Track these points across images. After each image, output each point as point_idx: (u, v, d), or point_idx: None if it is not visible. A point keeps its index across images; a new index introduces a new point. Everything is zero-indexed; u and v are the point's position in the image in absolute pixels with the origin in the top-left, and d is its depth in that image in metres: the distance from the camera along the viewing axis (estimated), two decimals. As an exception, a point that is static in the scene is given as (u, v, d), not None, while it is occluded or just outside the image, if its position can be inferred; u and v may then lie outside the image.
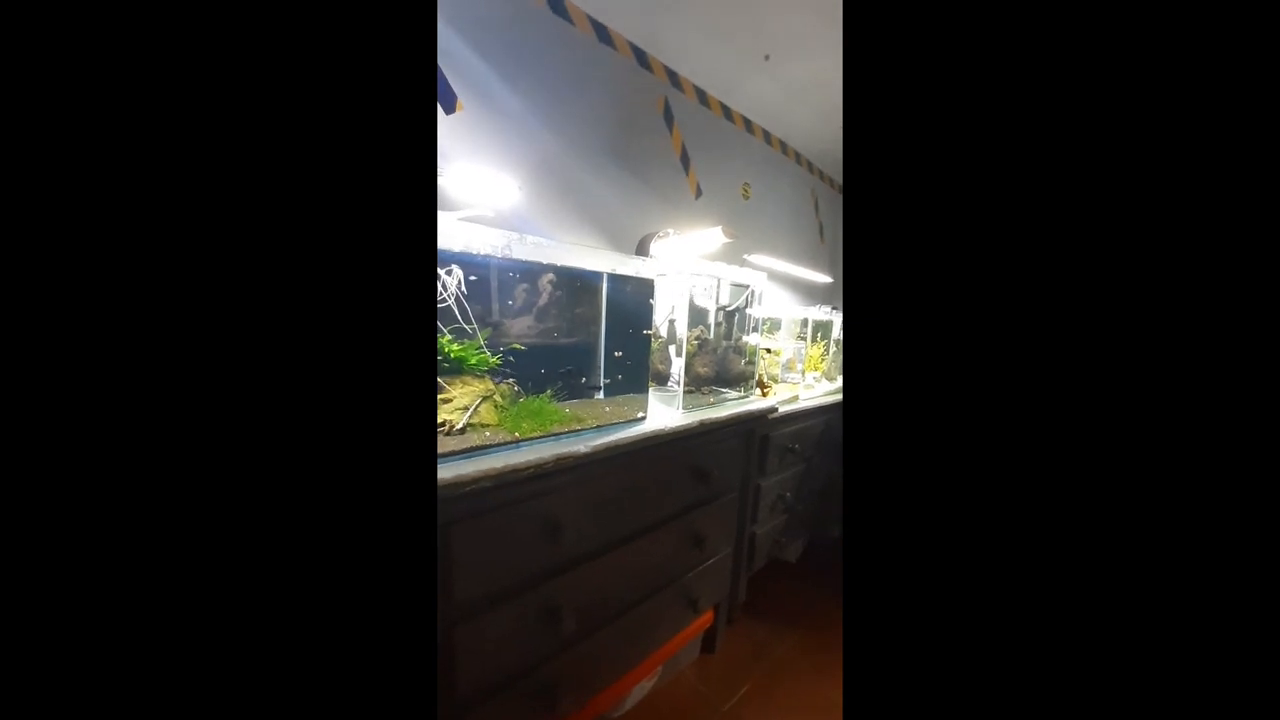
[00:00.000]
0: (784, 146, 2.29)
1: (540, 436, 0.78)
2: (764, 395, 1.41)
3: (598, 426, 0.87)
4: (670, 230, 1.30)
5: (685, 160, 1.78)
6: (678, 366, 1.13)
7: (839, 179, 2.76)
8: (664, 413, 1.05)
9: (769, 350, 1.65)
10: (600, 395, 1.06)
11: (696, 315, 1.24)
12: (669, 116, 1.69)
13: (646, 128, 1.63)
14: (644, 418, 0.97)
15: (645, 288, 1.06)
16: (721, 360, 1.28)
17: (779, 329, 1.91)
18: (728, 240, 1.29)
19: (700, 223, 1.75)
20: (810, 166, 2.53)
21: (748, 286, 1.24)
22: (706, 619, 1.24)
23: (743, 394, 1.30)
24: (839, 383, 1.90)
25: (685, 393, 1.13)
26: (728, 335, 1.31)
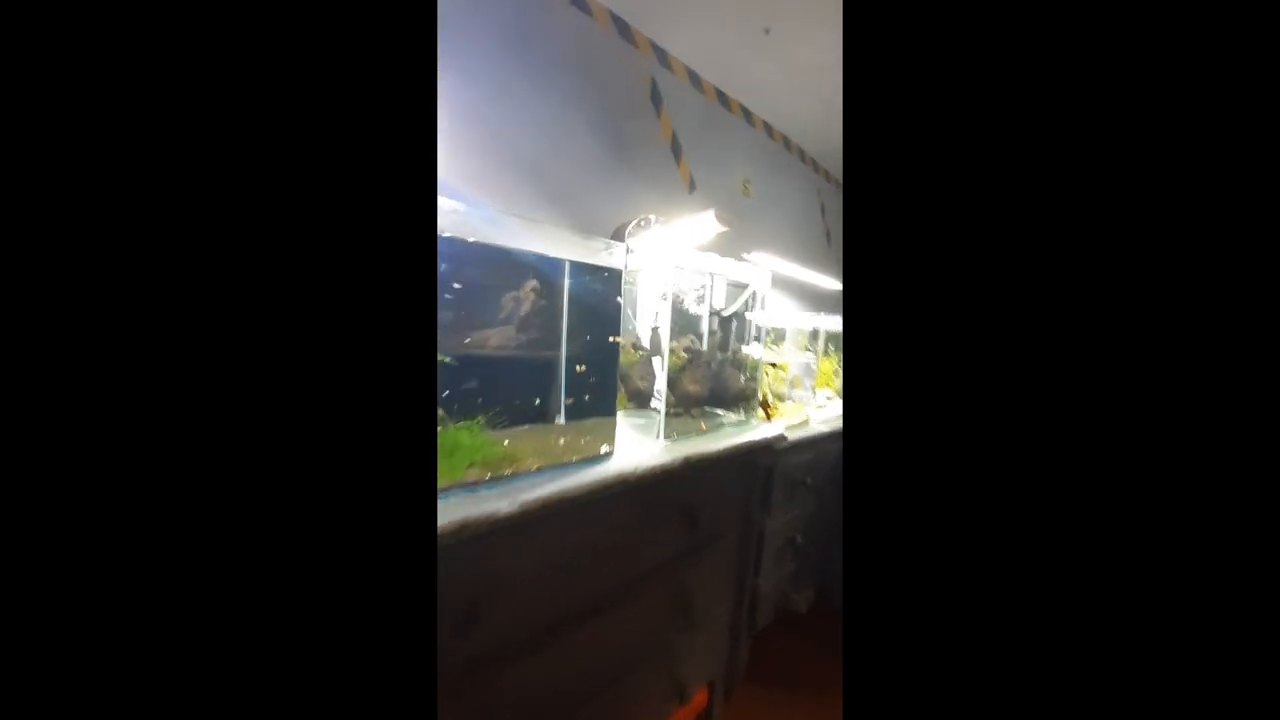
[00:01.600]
0: (787, 142, 2.10)
1: (449, 487, 0.55)
2: (768, 418, 1.18)
3: (539, 469, 0.64)
4: (652, 216, 1.07)
5: (676, 149, 1.57)
6: (661, 384, 0.90)
7: (846, 180, 2.56)
8: (639, 445, 0.81)
9: (774, 365, 1.41)
10: (561, 420, 0.83)
11: (686, 322, 1.01)
12: (656, 98, 1.49)
13: (629, 109, 1.43)
14: (610, 454, 0.74)
15: (615, 282, 0.84)
16: (717, 376, 1.05)
17: (784, 340, 1.68)
18: (722, 229, 1.06)
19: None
20: (815, 165, 2.33)
21: (747, 286, 1.02)
22: (699, 703, 0.99)
23: (742, 417, 1.07)
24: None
25: (671, 416, 0.90)
26: (724, 346, 1.08)
